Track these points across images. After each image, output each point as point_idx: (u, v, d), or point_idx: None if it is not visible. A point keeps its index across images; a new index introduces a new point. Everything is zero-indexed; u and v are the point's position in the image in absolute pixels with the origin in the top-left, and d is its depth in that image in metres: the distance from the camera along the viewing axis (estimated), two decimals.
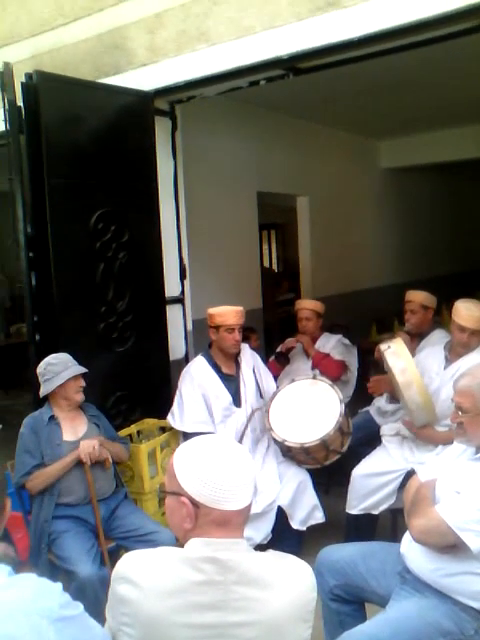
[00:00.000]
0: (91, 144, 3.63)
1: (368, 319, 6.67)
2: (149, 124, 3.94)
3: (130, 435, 3.75)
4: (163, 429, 3.84)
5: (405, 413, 3.43)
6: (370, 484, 3.32)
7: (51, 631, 1.19)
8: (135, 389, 3.85)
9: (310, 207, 6.70)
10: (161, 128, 4.12)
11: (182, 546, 1.50)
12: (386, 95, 5.75)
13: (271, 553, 1.54)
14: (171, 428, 3.69)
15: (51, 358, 3.03)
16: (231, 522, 1.44)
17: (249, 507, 1.48)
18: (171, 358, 4.17)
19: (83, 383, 3.06)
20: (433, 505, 2.10)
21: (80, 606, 1.33)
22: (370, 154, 7.92)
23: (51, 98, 3.43)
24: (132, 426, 3.80)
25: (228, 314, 3.54)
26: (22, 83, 3.41)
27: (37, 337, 3.47)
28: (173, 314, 4.22)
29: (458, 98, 6.07)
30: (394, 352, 3.17)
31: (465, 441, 2.21)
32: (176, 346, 4.26)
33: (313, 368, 4.35)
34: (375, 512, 3.33)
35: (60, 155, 3.47)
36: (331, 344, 4.49)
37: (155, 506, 3.53)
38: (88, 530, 2.98)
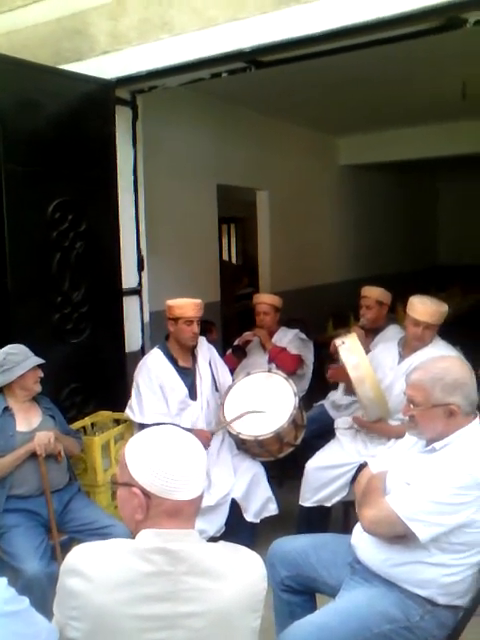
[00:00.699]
0: (50, 131, 3.56)
1: (324, 314, 6.73)
2: (110, 113, 3.89)
3: (84, 427, 3.71)
4: (118, 422, 3.81)
5: (359, 407, 3.49)
6: (323, 477, 3.37)
7: None
8: (90, 381, 3.81)
9: (270, 202, 6.73)
10: (122, 117, 4.08)
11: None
12: (346, 92, 5.80)
13: (222, 544, 1.55)
14: (125, 420, 3.68)
15: (10, 348, 2.98)
16: (182, 512, 1.45)
17: (201, 497, 1.49)
18: (127, 350, 4.14)
19: (41, 374, 3.03)
20: (384, 496, 2.14)
21: (26, 601, 1.31)
22: (329, 151, 7.99)
23: (8, 81, 3.35)
24: (86, 418, 3.76)
25: (187, 306, 3.54)
26: None
27: None
28: (130, 306, 4.19)
29: (416, 98, 6.17)
30: (348, 348, 3.22)
31: (416, 434, 2.25)
32: (132, 338, 4.23)
33: (270, 362, 4.37)
34: (328, 504, 3.38)
35: (17, 141, 3.40)
36: (288, 338, 4.53)
37: (108, 499, 3.50)
38: (39, 524, 2.93)
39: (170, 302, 3.59)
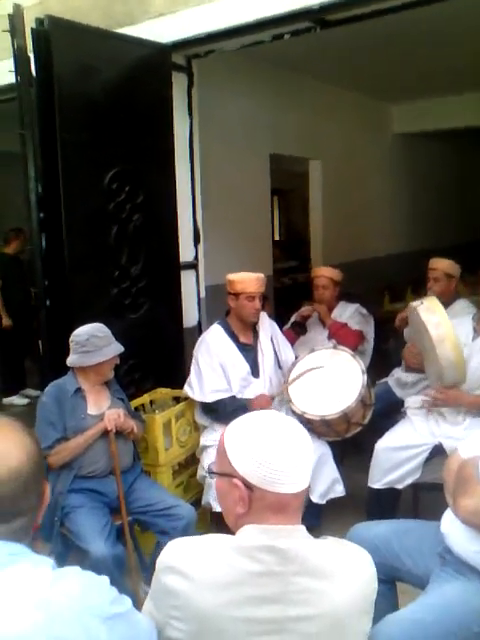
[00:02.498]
0: (105, 98, 3.43)
1: (377, 288, 6.53)
2: (166, 79, 3.74)
3: (143, 405, 3.64)
4: (177, 399, 3.71)
5: (426, 385, 3.30)
6: (394, 458, 3.21)
7: (103, 630, 1.08)
8: (148, 358, 3.71)
9: (323, 171, 6.48)
10: (177, 84, 3.92)
11: (222, 530, 1.40)
12: (402, 55, 5.50)
13: (332, 541, 1.42)
14: (186, 398, 3.57)
15: (95, 330, 2.86)
16: (288, 507, 1.33)
17: (306, 490, 1.37)
18: (184, 326, 4.03)
19: (118, 361, 2.94)
20: None
21: (128, 601, 1.21)
22: (382, 118, 7.67)
23: (64, 46, 3.22)
24: (145, 396, 3.67)
25: (249, 281, 3.39)
26: (32, 29, 3.19)
27: (48, 302, 3.31)
28: (186, 280, 4.07)
29: (476, 62, 5.82)
30: (427, 308, 3.05)
31: None
32: (189, 313, 4.12)
33: (329, 338, 4.21)
34: (399, 486, 3.23)
35: (73, 109, 3.28)
36: (348, 313, 4.36)
37: (169, 479, 3.42)
38: (104, 505, 2.86)
39: (231, 276, 3.45)
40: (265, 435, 1.33)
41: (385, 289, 6.38)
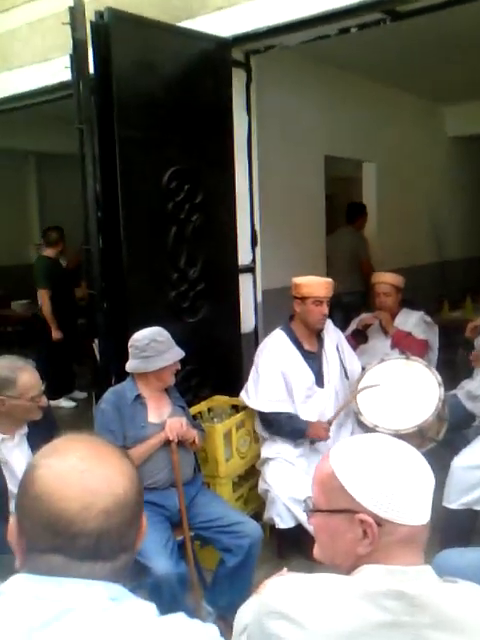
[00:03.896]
0: (164, 94, 3.29)
1: (431, 295, 6.25)
2: (226, 75, 3.60)
3: (200, 413, 3.47)
4: (235, 408, 3.54)
5: None
6: (472, 477, 2.98)
7: None
8: (206, 364, 3.53)
9: (377, 174, 6.24)
10: (236, 80, 3.76)
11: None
12: (457, 53, 5.24)
13: (464, 585, 1.20)
14: (245, 407, 3.40)
15: (155, 334, 2.71)
16: (417, 541, 1.14)
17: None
18: (241, 331, 3.85)
19: (179, 366, 2.78)
20: None
21: None
22: (436, 120, 7.39)
23: (123, 40, 3.10)
24: (202, 403, 3.51)
25: (317, 285, 3.22)
26: (91, 22, 3.06)
27: (105, 305, 3.16)
28: (244, 284, 3.89)
29: None
30: None
31: None
32: (246, 318, 3.94)
33: (392, 347, 3.99)
34: (477, 508, 3.00)
35: (132, 105, 3.15)
36: (412, 322, 4.12)
37: (230, 491, 3.25)
38: (164, 519, 2.69)
39: (297, 280, 3.27)
40: (388, 462, 1.16)
41: (441, 297, 6.10)
